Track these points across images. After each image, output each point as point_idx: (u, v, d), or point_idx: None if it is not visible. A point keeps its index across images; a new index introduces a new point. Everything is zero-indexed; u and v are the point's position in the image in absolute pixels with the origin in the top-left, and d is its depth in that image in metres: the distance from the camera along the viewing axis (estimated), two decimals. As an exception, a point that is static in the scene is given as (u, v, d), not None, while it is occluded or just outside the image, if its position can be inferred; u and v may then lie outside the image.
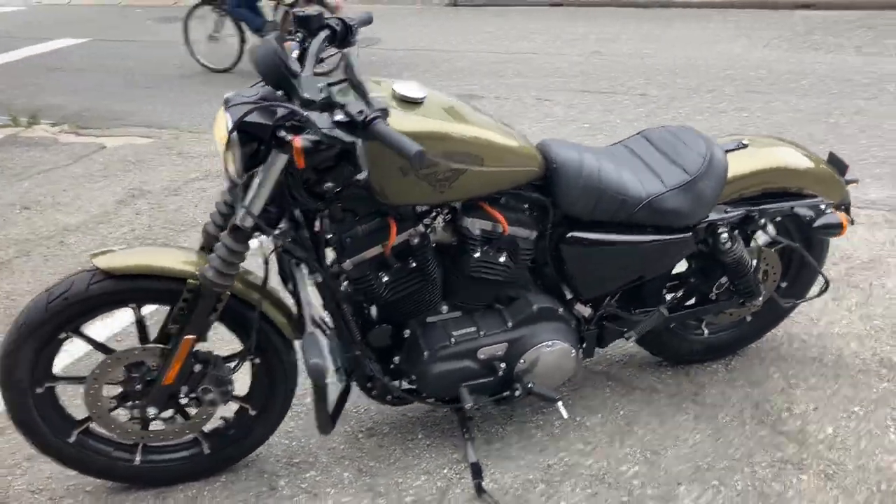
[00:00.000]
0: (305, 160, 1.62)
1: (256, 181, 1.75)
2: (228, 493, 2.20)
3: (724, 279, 2.41)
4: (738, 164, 2.25)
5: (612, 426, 2.40)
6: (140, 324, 2.02)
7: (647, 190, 2.11)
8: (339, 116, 1.58)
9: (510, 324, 2.14)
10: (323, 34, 1.92)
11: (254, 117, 1.67)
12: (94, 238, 3.86)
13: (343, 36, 1.96)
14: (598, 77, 6.44)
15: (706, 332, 2.62)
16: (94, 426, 2.11)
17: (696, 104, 5.59)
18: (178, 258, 1.94)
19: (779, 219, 2.38)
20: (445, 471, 2.24)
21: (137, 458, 2.16)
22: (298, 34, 1.90)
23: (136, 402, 2.02)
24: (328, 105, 1.64)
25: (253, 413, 2.18)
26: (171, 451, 2.20)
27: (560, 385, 2.30)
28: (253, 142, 1.73)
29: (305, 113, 1.60)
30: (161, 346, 1.98)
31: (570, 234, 2.12)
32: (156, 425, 2.10)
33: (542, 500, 2.13)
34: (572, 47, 7.41)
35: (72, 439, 2.08)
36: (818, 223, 2.25)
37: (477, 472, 2.19)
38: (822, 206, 2.30)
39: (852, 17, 8.00)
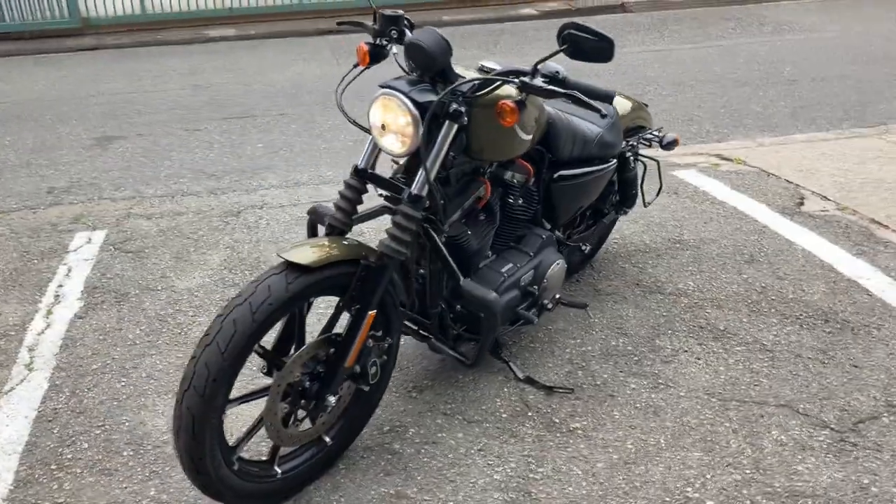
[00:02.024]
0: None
1: (432, 152, 2.01)
2: (361, 473, 2.30)
3: (610, 196, 3.25)
4: (620, 109, 3.10)
5: (577, 325, 3.06)
6: (302, 319, 2.04)
7: (593, 131, 2.82)
8: (539, 79, 1.97)
9: (532, 254, 2.66)
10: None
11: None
12: None
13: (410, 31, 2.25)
14: (231, 104, 6.61)
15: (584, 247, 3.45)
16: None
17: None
18: (339, 244, 2.02)
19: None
20: (506, 389, 2.67)
21: (278, 471, 2.14)
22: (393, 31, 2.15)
23: (311, 397, 2.05)
24: (510, 73, 2.01)
25: (366, 389, 2.31)
26: (301, 452, 2.22)
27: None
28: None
29: (519, 79, 1.95)
30: (331, 334, 2.05)
31: (558, 174, 2.72)
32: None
33: (591, 381, 2.72)
34: (172, 83, 7.43)
35: (236, 466, 1.99)
36: (665, 142, 3.23)
37: (532, 381, 2.67)
38: (656, 132, 3.29)
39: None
